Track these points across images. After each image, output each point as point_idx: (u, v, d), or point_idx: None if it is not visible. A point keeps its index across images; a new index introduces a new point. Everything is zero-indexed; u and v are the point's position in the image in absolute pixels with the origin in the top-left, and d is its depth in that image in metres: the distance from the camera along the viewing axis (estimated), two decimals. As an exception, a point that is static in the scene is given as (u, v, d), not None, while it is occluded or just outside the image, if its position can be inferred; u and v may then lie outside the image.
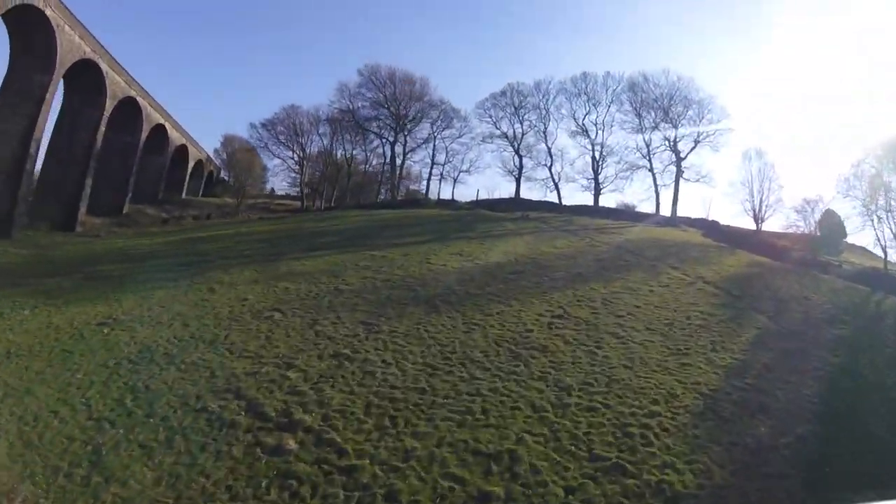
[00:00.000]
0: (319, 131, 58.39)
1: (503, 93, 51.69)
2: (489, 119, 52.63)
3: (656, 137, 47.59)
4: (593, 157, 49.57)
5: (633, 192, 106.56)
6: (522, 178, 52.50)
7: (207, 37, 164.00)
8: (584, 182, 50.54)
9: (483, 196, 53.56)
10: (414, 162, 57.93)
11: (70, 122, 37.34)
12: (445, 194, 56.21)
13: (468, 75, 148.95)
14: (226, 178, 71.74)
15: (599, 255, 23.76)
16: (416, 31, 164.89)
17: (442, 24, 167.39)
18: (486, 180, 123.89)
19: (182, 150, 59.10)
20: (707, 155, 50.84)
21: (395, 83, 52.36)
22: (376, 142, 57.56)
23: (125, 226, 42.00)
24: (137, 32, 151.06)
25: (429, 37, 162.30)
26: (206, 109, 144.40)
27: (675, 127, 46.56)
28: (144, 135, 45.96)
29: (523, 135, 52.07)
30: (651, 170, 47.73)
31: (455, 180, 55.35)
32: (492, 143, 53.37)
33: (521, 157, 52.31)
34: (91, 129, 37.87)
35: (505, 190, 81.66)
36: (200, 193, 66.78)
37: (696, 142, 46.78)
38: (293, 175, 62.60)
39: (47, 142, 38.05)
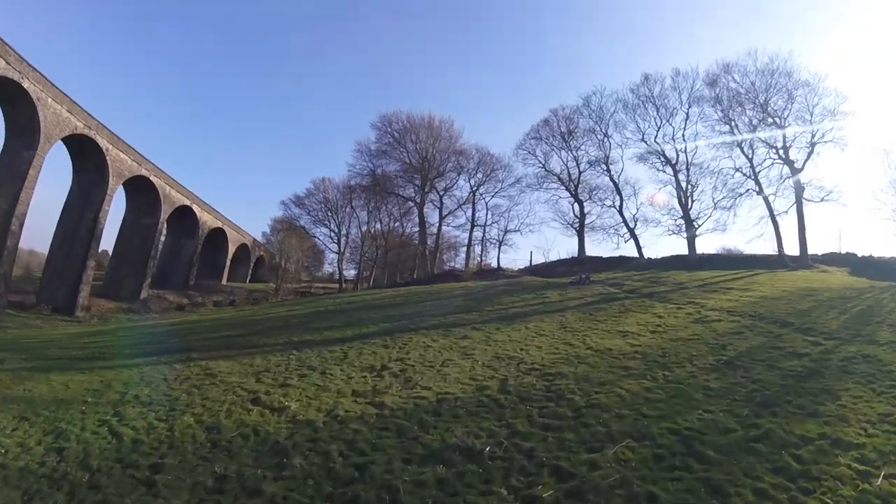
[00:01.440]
0: (353, 203, 50.04)
1: (546, 122, 39.42)
2: (534, 159, 40.26)
3: (760, 149, 31.68)
4: (678, 187, 34.17)
5: (738, 229, 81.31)
6: (586, 230, 38.62)
7: (254, 124, 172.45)
8: (671, 223, 34.89)
9: (538, 260, 40.89)
10: (455, 228, 47.06)
11: (77, 201, 34.67)
12: (495, 262, 44.08)
13: (501, 111, 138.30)
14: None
15: (723, 345, 9.70)
16: (444, 78, 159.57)
17: (468, 65, 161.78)
18: (541, 240, 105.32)
19: (218, 234, 55.55)
20: (829, 162, 33.76)
21: (414, 130, 42.91)
22: (414, 209, 49.11)
23: (135, 311, 36.43)
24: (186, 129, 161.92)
25: (457, 83, 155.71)
26: (259, 194, 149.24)
27: (781, 127, 30.28)
28: (164, 216, 42.71)
29: (580, 172, 38.80)
30: (760, 192, 31.18)
31: (500, 243, 42.65)
32: (541, 188, 40.67)
33: (580, 203, 38.70)
34: (95, 208, 34.59)
35: (566, 248, 65.88)
36: (248, 279, 63.38)
37: (813, 143, 29.75)
38: (332, 255, 56.76)
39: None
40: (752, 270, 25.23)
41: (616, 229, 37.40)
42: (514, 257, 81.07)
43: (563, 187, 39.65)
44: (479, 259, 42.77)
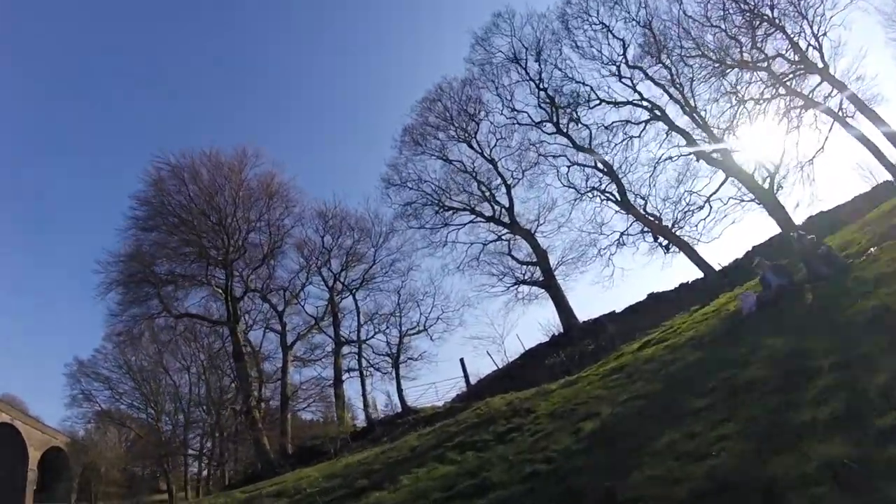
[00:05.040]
0: (164, 361, 30.02)
1: (427, 107, 21.30)
2: (415, 186, 21.59)
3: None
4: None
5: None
6: (559, 270, 19.79)
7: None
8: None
9: (482, 368, 20.70)
10: (321, 364, 24.11)
11: None
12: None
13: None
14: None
15: None
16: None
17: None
18: (479, 328, 59.18)
19: (5, 433, 34.59)
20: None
21: (194, 176, 21.76)
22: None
23: None
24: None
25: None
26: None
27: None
28: None
29: (509, 186, 20.72)
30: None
31: (396, 362, 20.58)
32: (437, 239, 21.55)
33: (526, 235, 20.13)
34: None
35: (533, 327, 37.82)
36: (74, 498, 39.02)
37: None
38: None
39: None
40: None
41: (626, 242, 18.87)
42: (433, 379, 41.13)
43: (480, 220, 20.36)
44: (368, 407, 20.42)
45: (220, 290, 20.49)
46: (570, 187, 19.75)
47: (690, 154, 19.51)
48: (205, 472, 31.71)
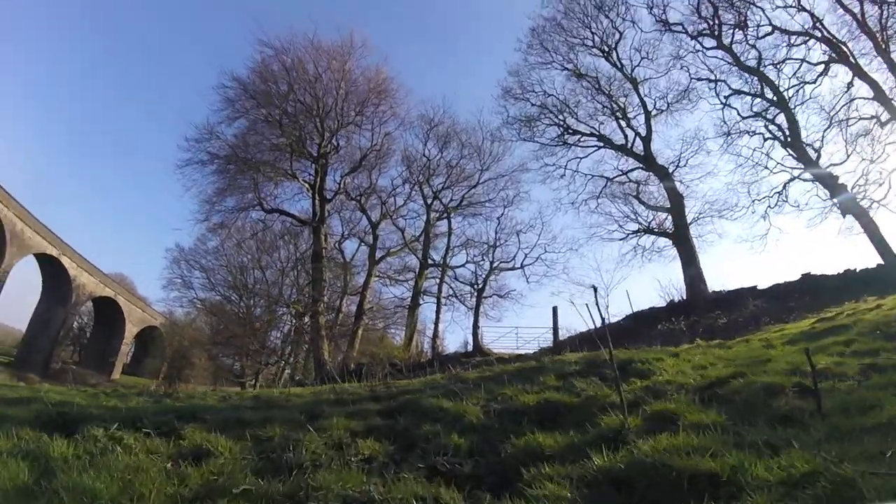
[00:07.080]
0: (261, 260, 28.78)
1: (562, 5, 17.43)
2: (537, 101, 18.10)
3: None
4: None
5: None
6: (696, 223, 16.32)
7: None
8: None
9: (577, 325, 17.47)
10: (401, 283, 23.21)
11: None
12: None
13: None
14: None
15: None
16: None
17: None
18: (574, 283, 27.15)
19: (108, 307, 39.04)
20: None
21: (303, 60, 20.05)
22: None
23: None
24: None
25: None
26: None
27: None
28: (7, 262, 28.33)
29: (649, 114, 16.87)
30: None
31: (479, 295, 18.81)
32: (563, 174, 18.12)
33: (658, 171, 16.31)
34: None
35: (645, 289, 31.55)
36: (161, 374, 43.71)
37: None
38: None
39: None
40: None
41: (787, 198, 15.65)
42: (518, 323, 35.90)
43: (609, 147, 17.18)
44: (437, 338, 18.82)
45: (308, 186, 19.67)
46: (727, 106, 15.78)
47: (874, 118, 14.65)
48: (282, 372, 33.41)
